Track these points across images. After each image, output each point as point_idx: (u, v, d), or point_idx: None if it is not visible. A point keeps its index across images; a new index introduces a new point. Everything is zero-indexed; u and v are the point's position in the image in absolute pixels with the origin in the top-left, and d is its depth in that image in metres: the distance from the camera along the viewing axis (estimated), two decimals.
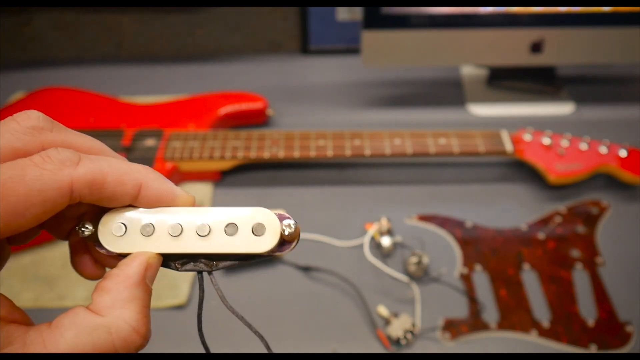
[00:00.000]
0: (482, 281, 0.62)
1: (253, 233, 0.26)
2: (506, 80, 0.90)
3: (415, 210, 0.70)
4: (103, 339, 0.23)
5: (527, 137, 0.73)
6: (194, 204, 0.27)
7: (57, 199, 0.23)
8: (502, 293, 0.61)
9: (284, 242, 0.27)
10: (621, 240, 0.66)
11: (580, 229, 0.67)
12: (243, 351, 0.56)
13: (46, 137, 0.24)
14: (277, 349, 0.56)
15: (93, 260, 0.28)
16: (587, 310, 0.59)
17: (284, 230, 0.26)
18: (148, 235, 0.26)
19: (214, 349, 0.27)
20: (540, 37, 0.79)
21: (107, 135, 0.74)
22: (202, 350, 0.27)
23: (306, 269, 0.63)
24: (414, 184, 0.74)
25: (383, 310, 0.58)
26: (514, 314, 0.59)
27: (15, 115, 0.24)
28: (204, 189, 0.73)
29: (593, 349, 0.56)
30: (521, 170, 0.75)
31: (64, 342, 0.22)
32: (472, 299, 0.60)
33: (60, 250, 0.65)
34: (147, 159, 0.71)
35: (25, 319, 0.24)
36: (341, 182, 0.75)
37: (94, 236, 0.26)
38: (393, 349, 0.56)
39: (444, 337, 0.57)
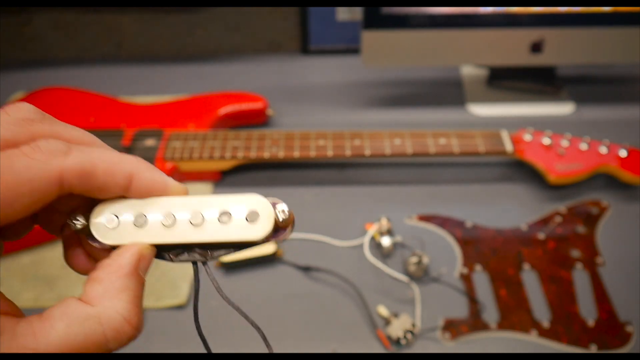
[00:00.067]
0: (482, 281, 0.62)
1: (247, 220, 0.26)
2: (506, 80, 0.90)
3: (415, 210, 0.70)
4: (94, 329, 0.22)
5: (527, 137, 0.73)
6: (186, 194, 0.27)
7: (46, 188, 0.23)
8: (502, 293, 0.61)
9: (278, 228, 0.27)
10: (621, 240, 0.66)
11: (580, 229, 0.67)
12: (243, 351, 0.56)
13: (36, 128, 0.24)
14: (277, 349, 0.56)
15: (86, 254, 0.27)
16: (587, 310, 0.59)
17: (277, 216, 0.26)
18: (141, 226, 0.26)
19: (214, 349, 0.27)
20: (540, 37, 0.79)
21: (107, 135, 0.74)
22: (202, 350, 0.27)
23: (306, 269, 0.63)
24: (414, 184, 0.74)
25: (383, 310, 0.58)
26: (514, 314, 0.59)
27: (5, 107, 0.24)
28: (204, 189, 0.73)
29: (593, 349, 0.56)
30: (521, 170, 0.75)
31: (54, 333, 0.22)
32: (472, 299, 0.60)
33: (60, 250, 0.65)
34: (147, 159, 0.70)
35: (15, 310, 0.23)
36: (341, 182, 0.75)
37: (86, 229, 0.26)
38: (393, 349, 0.56)
39: (444, 337, 0.57)
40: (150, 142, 0.73)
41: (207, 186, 0.73)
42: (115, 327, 0.23)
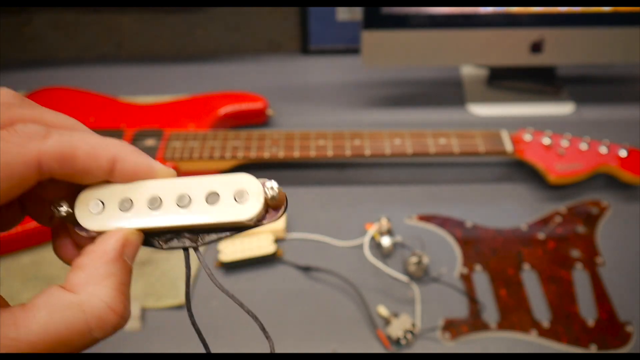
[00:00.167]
0: (482, 281, 0.62)
1: (235, 200, 0.25)
2: (506, 80, 0.90)
3: (415, 210, 0.70)
4: (76, 317, 0.22)
5: (527, 137, 0.73)
6: (174, 177, 0.26)
7: (24, 173, 0.22)
8: (502, 293, 0.61)
9: (269, 209, 0.26)
10: (621, 240, 0.66)
11: (580, 229, 0.67)
12: (244, 351, 0.56)
13: (15, 112, 0.23)
14: (277, 348, 0.56)
15: (75, 245, 0.27)
16: (587, 310, 0.59)
17: (267, 194, 0.25)
18: (126, 211, 0.25)
19: (214, 349, 0.27)
20: (540, 37, 0.79)
21: (107, 135, 0.74)
22: (202, 350, 0.27)
23: (306, 269, 0.63)
24: (414, 184, 0.74)
25: (383, 310, 0.58)
26: (514, 314, 0.59)
27: None
28: None
29: (593, 349, 0.56)
30: (521, 170, 0.75)
31: (35, 322, 0.21)
32: (472, 299, 0.60)
33: None
34: None
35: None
36: (341, 182, 0.75)
37: (71, 216, 0.25)
38: (393, 349, 0.56)
39: (444, 337, 0.57)
40: (150, 142, 0.73)
41: None
42: (99, 315, 0.22)
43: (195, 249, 0.26)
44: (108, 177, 0.25)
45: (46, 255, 0.65)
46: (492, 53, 0.82)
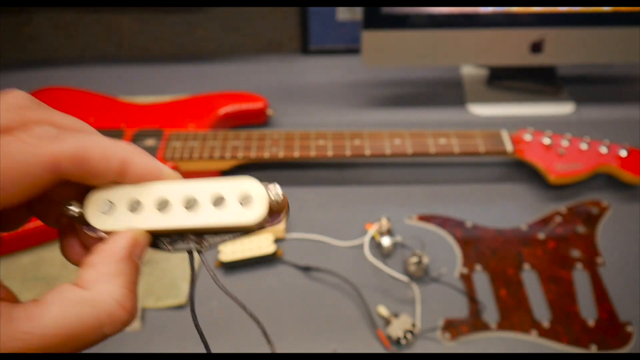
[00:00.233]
0: (482, 281, 0.62)
1: (240, 204, 0.26)
2: (506, 80, 0.90)
3: (415, 210, 0.70)
4: (88, 313, 0.22)
5: (527, 137, 0.73)
6: None
7: (39, 173, 0.23)
8: (502, 293, 0.61)
9: (272, 213, 0.26)
10: (621, 240, 0.66)
11: (581, 229, 0.67)
12: (244, 351, 0.56)
13: (30, 114, 0.24)
14: (277, 348, 0.56)
15: (82, 245, 0.27)
16: (587, 311, 0.59)
17: (271, 199, 0.26)
18: (135, 211, 0.25)
19: (214, 349, 0.27)
20: (540, 37, 0.79)
21: (107, 135, 0.74)
22: (202, 350, 0.27)
23: (306, 269, 0.63)
24: (414, 184, 0.74)
25: (383, 310, 0.58)
26: (514, 314, 0.59)
27: None
28: None
29: (593, 349, 0.56)
30: (521, 170, 0.75)
31: (48, 316, 0.22)
32: (472, 299, 0.60)
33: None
34: None
35: (11, 296, 0.23)
36: (341, 182, 0.75)
37: (81, 216, 0.26)
38: (393, 349, 0.56)
39: (444, 337, 0.57)
40: (150, 142, 0.73)
41: None
42: (110, 311, 0.23)
43: (200, 252, 0.26)
44: (118, 178, 0.25)
45: (46, 255, 0.65)
46: (492, 53, 0.82)
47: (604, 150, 0.71)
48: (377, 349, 0.56)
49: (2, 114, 0.23)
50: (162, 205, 0.26)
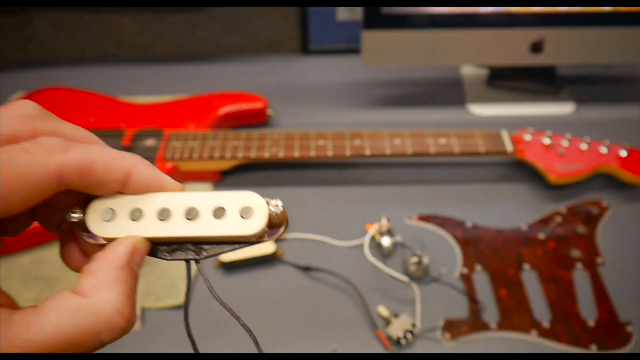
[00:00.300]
0: (482, 281, 0.62)
1: (241, 216, 0.26)
2: (506, 80, 0.90)
3: (415, 210, 0.70)
4: (86, 320, 0.23)
5: (527, 137, 0.73)
6: (182, 192, 0.27)
7: (45, 183, 0.23)
8: (502, 293, 0.61)
9: (272, 226, 0.27)
10: (621, 240, 0.66)
11: (581, 229, 0.67)
12: (244, 351, 0.56)
13: (37, 124, 0.25)
14: (277, 348, 0.56)
15: (82, 251, 0.28)
16: (588, 311, 0.59)
17: (271, 212, 0.26)
18: (136, 220, 0.26)
19: (214, 349, 0.27)
20: (540, 37, 0.79)
21: (107, 135, 0.74)
22: (202, 350, 0.27)
23: (306, 269, 0.63)
24: (414, 184, 0.74)
25: (383, 310, 0.58)
26: (514, 314, 0.59)
27: (7, 103, 0.25)
28: (204, 189, 0.73)
29: (593, 349, 0.56)
30: (521, 170, 0.75)
31: (47, 323, 0.22)
32: (472, 299, 0.60)
33: None
34: (147, 159, 0.71)
35: (10, 302, 0.24)
36: (341, 182, 0.75)
37: (82, 223, 0.26)
38: (393, 349, 0.56)
39: (444, 337, 0.57)
40: (150, 142, 0.73)
41: (207, 186, 0.73)
42: (108, 318, 0.23)
43: (197, 262, 0.26)
44: (121, 188, 0.26)
45: (46, 255, 0.65)
46: (492, 53, 0.81)
47: (604, 150, 0.71)
48: (377, 349, 0.56)
49: (10, 123, 0.24)
50: (163, 215, 0.26)
